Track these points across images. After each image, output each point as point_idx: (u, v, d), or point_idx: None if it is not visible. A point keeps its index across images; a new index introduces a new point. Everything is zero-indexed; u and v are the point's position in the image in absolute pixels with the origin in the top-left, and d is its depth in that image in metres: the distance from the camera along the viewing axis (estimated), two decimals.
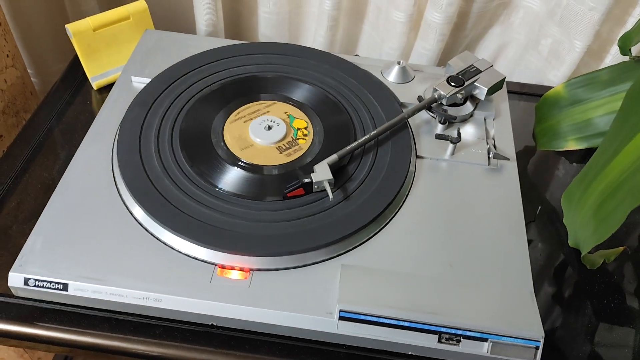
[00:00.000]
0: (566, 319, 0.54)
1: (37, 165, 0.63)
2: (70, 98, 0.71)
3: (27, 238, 0.55)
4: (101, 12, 0.87)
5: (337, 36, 0.86)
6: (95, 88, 0.72)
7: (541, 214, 0.63)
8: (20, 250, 0.54)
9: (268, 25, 0.87)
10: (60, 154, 0.64)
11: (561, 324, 0.54)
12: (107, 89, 0.72)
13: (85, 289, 0.48)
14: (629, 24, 0.76)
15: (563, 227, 0.57)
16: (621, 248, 0.51)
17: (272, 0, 0.84)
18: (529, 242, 0.54)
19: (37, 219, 0.53)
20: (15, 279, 0.48)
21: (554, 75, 0.81)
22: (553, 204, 0.64)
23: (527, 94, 0.79)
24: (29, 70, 0.90)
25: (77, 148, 0.59)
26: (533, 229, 0.61)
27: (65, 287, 0.48)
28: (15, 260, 0.53)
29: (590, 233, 0.42)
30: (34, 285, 0.48)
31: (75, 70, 0.74)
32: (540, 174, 0.68)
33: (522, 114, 0.76)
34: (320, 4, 0.81)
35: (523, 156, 0.70)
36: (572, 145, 0.63)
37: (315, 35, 0.86)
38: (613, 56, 0.80)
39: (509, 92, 0.70)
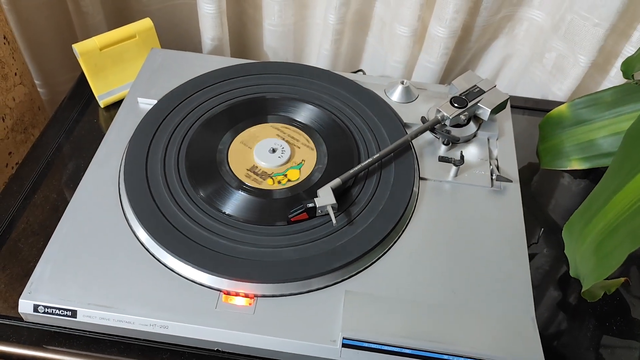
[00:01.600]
0: (568, 342, 0.55)
1: (46, 184, 0.64)
2: (77, 116, 0.72)
3: (34, 254, 0.57)
4: (108, 26, 0.88)
5: (342, 49, 0.87)
6: (102, 106, 0.73)
7: (545, 232, 0.63)
8: (30, 262, 0.56)
9: (273, 38, 0.88)
10: (68, 172, 0.65)
11: (563, 349, 0.54)
12: (114, 106, 0.73)
13: (93, 316, 0.49)
14: (634, 38, 0.76)
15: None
16: (622, 279, 0.51)
17: (277, 13, 0.84)
18: (531, 264, 0.55)
19: (46, 237, 0.54)
20: (24, 306, 0.49)
21: (558, 88, 0.81)
22: (557, 222, 0.65)
23: (530, 109, 0.79)
24: (36, 82, 0.91)
25: (85, 167, 0.60)
26: (535, 250, 0.61)
27: (73, 314, 0.49)
28: (25, 273, 0.56)
29: (590, 270, 0.42)
30: (43, 312, 0.49)
31: (82, 88, 0.75)
32: (544, 192, 0.68)
33: (526, 129, 0.76)
34: (325, 18, 0.81)
35: (526, 173, 0.70)
36: (575, 165, 0.63)
37: (319, 48, 0.86)
38: (618, 69, 0.80)
39: (512, 106, 0.71)
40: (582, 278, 0.45)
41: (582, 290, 0.46)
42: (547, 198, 0.68)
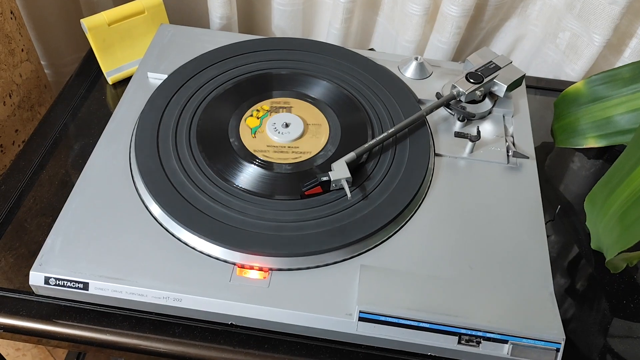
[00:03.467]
0: (585, 319, 0.54)
1: (54, 161, 0.63)
2: (85, 93, 0.71)
3: (43, 231, 0.56)
4: (114, 3, 0.87)
5: (352, 28, 0.85)
6: (110, 83, 0.72)
7: (560, 212, 0.62)
8: (37, 243, 0.55)
9: (282, 17, 0.86)
10: (76, 149, 0.64)
11: (580, 324, 0.53)
12: (122, 83, 0.72)
13: (105, 288, 0.48)
14: None
15: (582, 226, 0.57)
16: None
17: None
18: (548, 241, 0.54)
19: (54, 214, 0.53)
20: (36, 278, 0.49)
21: (571, 69, 0.80)
22: (572, 201, 0.64)
23: (543, 89, 0.78)
24: (42, 62, 0.90)
25: (93, 144, 0.59)
26: (552, 228, 0.60)
27: (85, 286, 0.48)
28: (31, 252, 0.55)
29: (614, 240, 0.41)
30: (55, 284, 0.48)
31: (90, 65, 0.74)
32: (559, 171, 0.68)
33: (539, 109, 0.75)
34: None
35: (541, 152, 0.69)
36: (591, 143, 0.62)
37: (329, 28, 0.85)
38: (632, 50, 0.79)
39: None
40: (606, 249, 0.44)
41: (606, 261, 0.45)
42: (561, 177, 0.67)
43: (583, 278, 0.57)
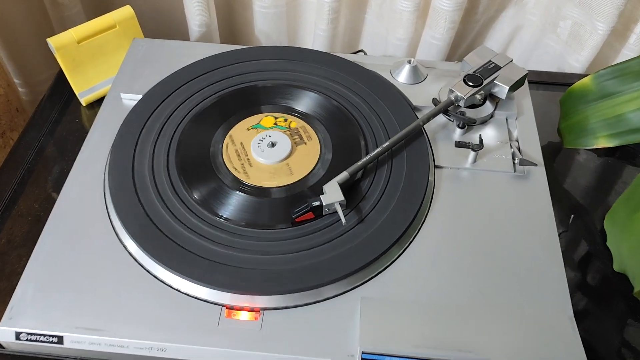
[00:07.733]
0: (606, 344, 0.49)
1: (27, 193, 0.59)
2: (58, 116, 0.67)
3: (23, 264, 0.51)
4: (87, 18, 0.82)
5: (339, 29, 0.81)
6: (83, 104, 0.67)
7: (573, 222, 0.58)
8: (18, 275, 0.50)
9: (265, 21, 0.82)
10: (51, 178, 0.60)
11: (601, 351, 0.49)
12: (97, 103, 0.68)
13: (82, 341, 0.44)
14: None
15: (598, 236, 0.52)
16: None
17: None
18: (563, 255, 0.49)
19: (31, 249, 0.48)
20: (5, 334, 0.44)
21: (575, 59, 0.76)
22: (585, 206, 0.59)
23: (546, 83, 0.73)
24: (16, 81, 0.86)
25: (68, 172, 0.54)
26: (565, 239, 0.56)
27: (60, 340, 0.44)
28: (12, 286, 0.49)
29: None
30: (27, 340, 0.44)
31: (61, 86, 0.69)
32: (568, 174, 0.63)
33: (543, 105, 0.70)
34: None
35: (547, 154, 0.64)
36: (602, 142, 0.58)
37: (315, 29, 0.80)
38: (638, 35, 0.74)
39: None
40: (632, 275, 0.40)
41: (635, 291, 0.40)
42: (572, 180, 0.63)
43: (602, 292, 0.53)
